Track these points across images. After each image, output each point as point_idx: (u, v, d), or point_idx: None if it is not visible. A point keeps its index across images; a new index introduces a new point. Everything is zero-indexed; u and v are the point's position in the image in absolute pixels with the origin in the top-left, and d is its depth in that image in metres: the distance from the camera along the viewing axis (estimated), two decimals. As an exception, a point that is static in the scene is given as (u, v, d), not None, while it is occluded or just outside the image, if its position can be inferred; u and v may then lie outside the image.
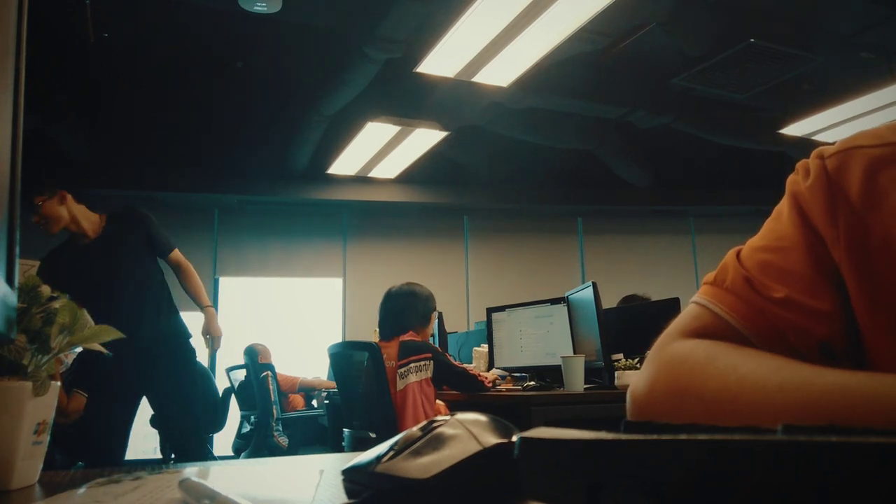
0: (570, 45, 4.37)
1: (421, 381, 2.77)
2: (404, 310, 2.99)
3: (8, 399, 0.61)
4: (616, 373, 2.77)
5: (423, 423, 0.53)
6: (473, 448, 0.49)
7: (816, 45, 4.88)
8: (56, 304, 0.65)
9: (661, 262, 8.80)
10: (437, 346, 3.50)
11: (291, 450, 4.98)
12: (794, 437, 0.26)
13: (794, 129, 6.03)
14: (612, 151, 7.01)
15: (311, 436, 5.30)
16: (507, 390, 2.99)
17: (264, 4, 4.32)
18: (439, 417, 0.53)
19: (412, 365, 2.77)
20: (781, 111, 5.92)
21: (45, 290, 0.65)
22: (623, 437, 0.34)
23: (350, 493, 0.51)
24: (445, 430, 0.51)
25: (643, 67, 5.46)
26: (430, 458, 0.48)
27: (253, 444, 5.14)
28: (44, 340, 0.64)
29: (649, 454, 0.33)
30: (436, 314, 3.13)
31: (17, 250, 0.56)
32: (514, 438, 0.53)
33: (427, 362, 2.80)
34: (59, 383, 0.67)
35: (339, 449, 3.71)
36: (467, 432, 0.51)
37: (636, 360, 2.77)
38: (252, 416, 5.32)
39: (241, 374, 5.53)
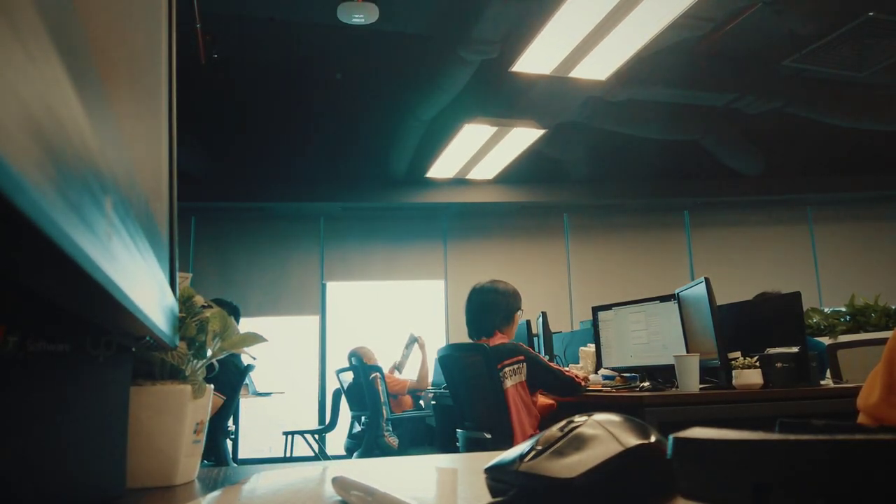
0: (671, 32, 4.23)
1: (517, 385, 2.72)
2: (488, 307, 2.94)
3: (171, 401, 0.67)
4: (734, 372, 2.65)
5: (562, 423, 0.53)
6: (616, 448, 0.49)
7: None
8: (208, 313, 0.70)
9: (777, 255, 8.35)
10: (529, 346, 3.37)
11: (401, 450, 5.08)
12: None
13: (922, 106, 5.58)
14: (719, 140, 6.72)
15: (419, 436, 5.39)
16: (617, 390, 2.93)
17: (362, 16, 4.45)
18: (577, 418, 0.54)
19: (507, 369, 2.72)
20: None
21: (199, 299, 0.70)
22: (791, 437, 0.33)
23: (494, 490, 0.52)
24: (585, 430, 0.51)
25: (750, 51, 5.20)
26: (573, 457, 0.48)
27: (364, 444, 5.28)
28: (199, 346, 0.69)
29: (820, 454, 0.32)
30: (520, 313, 3.05)
31: (177, 263, 0.61)
32: (653, 438, 0.53)
33: (520, 365, 2.73)
34: (212, 386, 0.73)
35: (448, 449, 3.74)
36: (607, 433, 0.51)
37: (755, 359, 2.64)
38: (362, 417, 5.47)
39: (349, 376, 5.69)
